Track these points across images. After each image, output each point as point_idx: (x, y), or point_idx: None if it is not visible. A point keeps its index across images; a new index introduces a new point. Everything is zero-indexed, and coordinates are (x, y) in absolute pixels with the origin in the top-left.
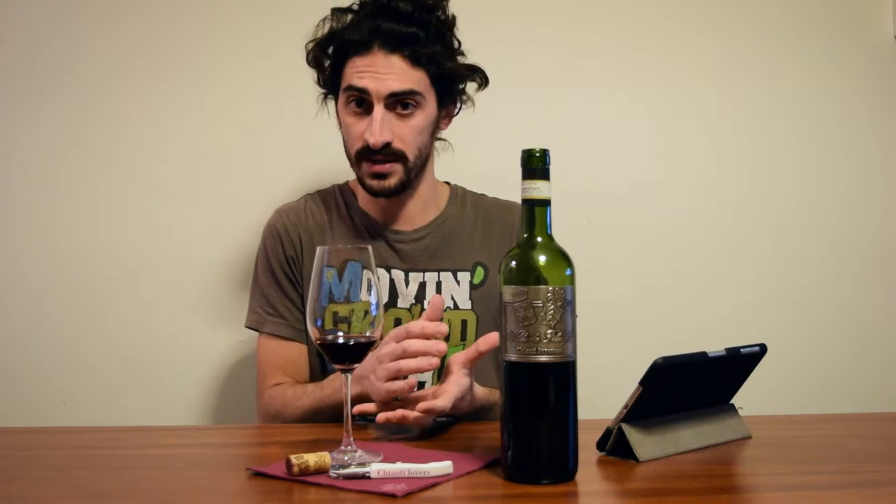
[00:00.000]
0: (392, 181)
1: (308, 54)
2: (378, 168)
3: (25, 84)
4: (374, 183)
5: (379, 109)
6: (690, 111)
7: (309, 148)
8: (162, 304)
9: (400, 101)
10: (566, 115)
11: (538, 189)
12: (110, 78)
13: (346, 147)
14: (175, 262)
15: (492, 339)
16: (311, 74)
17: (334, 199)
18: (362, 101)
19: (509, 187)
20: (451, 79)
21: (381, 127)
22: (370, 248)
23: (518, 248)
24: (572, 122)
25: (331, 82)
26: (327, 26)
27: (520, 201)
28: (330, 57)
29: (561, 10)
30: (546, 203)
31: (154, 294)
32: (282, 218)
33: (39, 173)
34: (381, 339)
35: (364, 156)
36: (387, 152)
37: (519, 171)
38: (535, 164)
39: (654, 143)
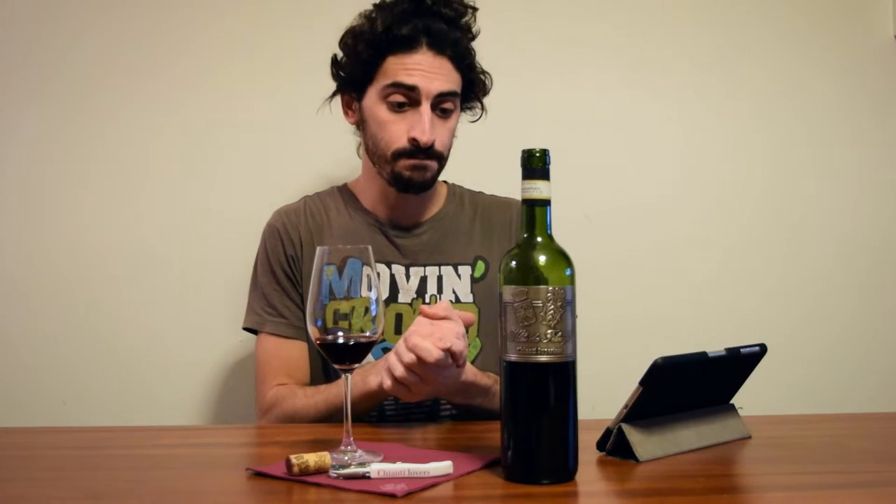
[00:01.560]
0: (429, 174)
1: (345, 46)
2: (418, 162)
3: (22, 82)
4: (413, 175)
5: (426, 107)
6: (690, 111)
7: (309, 150)
8: (162, 304)
9: (441, 103)
10: (566, 115)
11: (538, 189)
12: (110, 77)
13: (375, 144)
14: (175, 263)
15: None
16: (311, 75)
17: (333, 200)
18: (405, 99)
19: (509, 187)
20: (474, 86)
21: (430, 126)
22: (370, 247)
23: (518, 248)
24: (572, 121)
25: (361, 77)
26: (362, 21)
27: (517, 198)
28: (367, 51)
29: (562, 8)
30: (546, 203)
31: (154, 294)
32: (281, 218)
33: (38, 173)
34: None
35: (403, 154)
36: (430, 152)
37: (519, 170)
38: (535, 164)
39: (654, 143)
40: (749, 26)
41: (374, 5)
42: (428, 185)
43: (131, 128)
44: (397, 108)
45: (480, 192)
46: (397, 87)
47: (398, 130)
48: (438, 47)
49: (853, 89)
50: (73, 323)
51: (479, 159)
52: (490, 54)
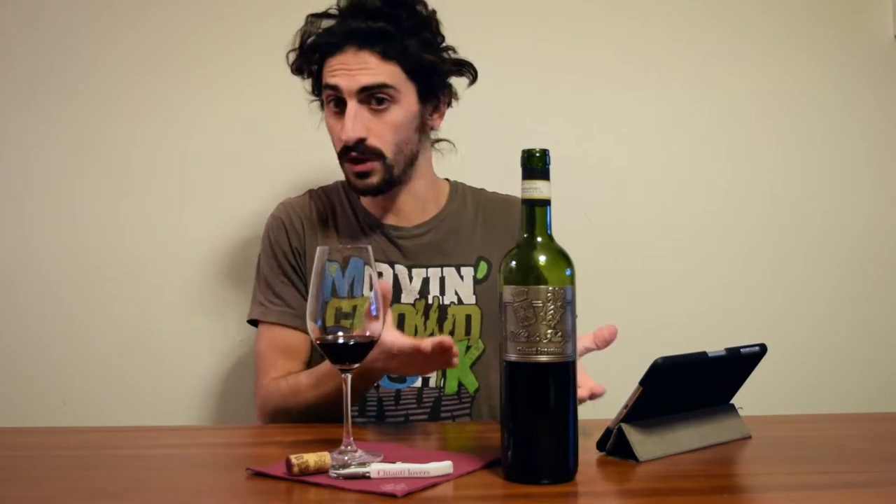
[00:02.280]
0: (373, 179)
1: (290, 63)
2: (359, 167)
3: (16, 84)
4: (357, 182)
5: (352, 105)
6: (690, 111)
7: (311, 147)
8: (162, 304)
9: (373, 96)
10: (566, 115)
11: (538, 189)
12: (110, 77)
13: (334, 147)
14: (175, 262)
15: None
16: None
17: (337, 195)
18: (339, 101)
19: (510, 187)
20: (429, 72)
21: (353, 123)
22: (370, 247)
23: (518, 248)
24: (572, 121)
25: (315, 87)
26: (296, 36)
27: (519, 196)
28: (304, 64)
29: (563, 6)
30: (546, 203)
31: (154, 294)
32: (286, 209)
33: (36, 174)
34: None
35: (344, 155)
36: (362, 149)
37: (519, 170)
38: (535, 164)
39: (655, 143)
40: (749, 27)
41: (307, 16)
42: (375, 188)
43: (135, 130)
44: (335, 111)
45: (482, 190)
46: (325, 89)
47: (337, 133)
48: (360, 43)
49: (853, 90)
50: (73, 323)
51: (479, 159)
52: (490, 54)
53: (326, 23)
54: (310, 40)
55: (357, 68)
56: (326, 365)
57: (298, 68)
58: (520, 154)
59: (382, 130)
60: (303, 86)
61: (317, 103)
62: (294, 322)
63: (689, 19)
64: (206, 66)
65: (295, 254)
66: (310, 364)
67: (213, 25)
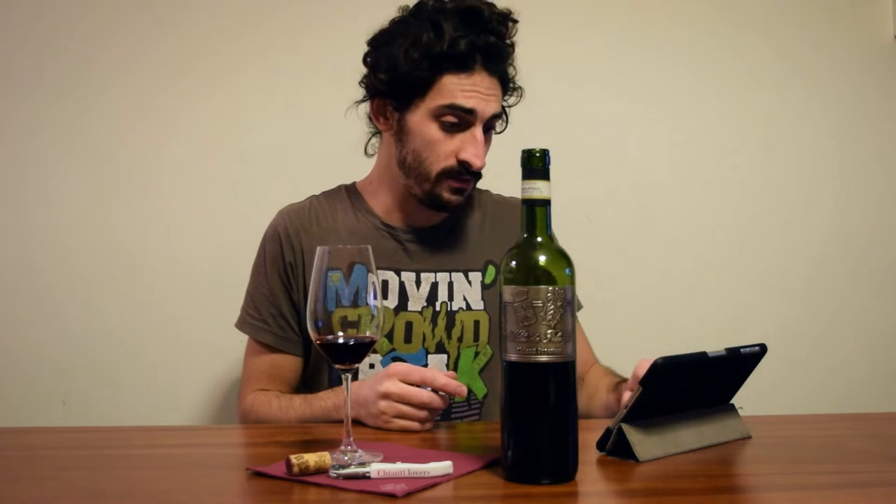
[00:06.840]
0: (466, 195)
1: (404, 57)
2: (464, 185)
3: (26, 84)
4: (453, 197)
5: (479, 131)
6: (690, 110)
7: (312, 149)
8: (162, 305)
9: (490, 124)
10: (566, 115)
11: (538, 189)
12: (114, 78)
13: (417, 161)
14: (175, 263)
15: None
16: (314, 76)
17: (341, 201)
18: (461, 120)
19: (510, 187)
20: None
21: (483, 150)
22: (370, 247)
23: (518, 248)
24: (573, 121)
25: (412, 90)
26: (419, 31)
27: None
28: (426, 66)
29: (563, 8)
30: (546, 203)
31: (154, 294)
32: (284, 220)
33: (40, 174)
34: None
35: (451, 174)
36: (475, 173)
37: (518, 170)
38: (535, 164)
39: (655, 143)
40: (749, 28)
41: (430, 13)
42: (462, 203)
43: (138, 131)
44: (450, 128)
45: (487, 191)
46: (454, 109)
47: (447, 150)
48: (491, 68)
49: (853, 89)
50: (74, 323)
51: None
52: None
53: (445, 28)
54: (434, 44)
55: (489, 94)
56: (322, 402)
57: (414, 64)
58: (519, 154)
59: (484, 153)
60: (316, 78)
61: (320, 97)
62: (269, 340)
63: (690, 20)
64: (209, 67)
65: (288, 268)
66: (306, 365)
67: (216, 27)
